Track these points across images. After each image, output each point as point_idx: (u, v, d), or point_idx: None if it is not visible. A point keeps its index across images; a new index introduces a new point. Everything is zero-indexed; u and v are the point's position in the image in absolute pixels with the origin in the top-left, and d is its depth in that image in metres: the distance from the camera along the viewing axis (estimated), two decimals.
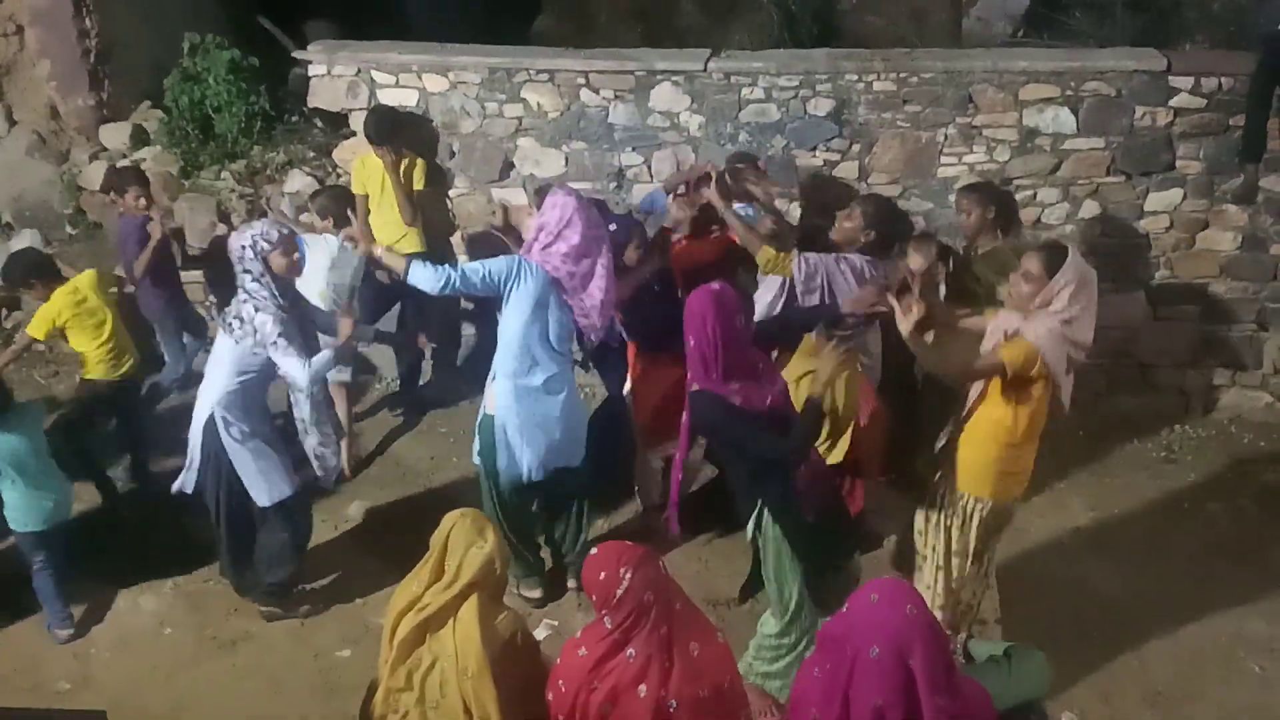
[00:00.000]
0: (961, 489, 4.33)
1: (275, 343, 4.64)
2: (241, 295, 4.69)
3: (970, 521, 4.35)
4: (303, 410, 5.05)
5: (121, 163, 7.14)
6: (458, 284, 4.67)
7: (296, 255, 4.76)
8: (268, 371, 4.80)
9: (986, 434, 4.25)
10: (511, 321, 4.71)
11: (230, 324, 4.71)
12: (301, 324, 4.84)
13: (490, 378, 4.87)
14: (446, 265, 4.71)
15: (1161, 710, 4.52)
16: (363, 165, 6.27)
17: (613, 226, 5.19)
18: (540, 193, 4.90)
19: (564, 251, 4.68)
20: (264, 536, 5.01)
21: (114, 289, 5.73)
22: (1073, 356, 4.15)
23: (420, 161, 6.28)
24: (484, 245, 6.13)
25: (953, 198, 6.15)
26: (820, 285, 4.93)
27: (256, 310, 4.65)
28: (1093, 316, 4.18)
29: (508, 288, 4.66)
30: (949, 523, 4.39)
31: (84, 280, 5.48)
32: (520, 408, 4.78)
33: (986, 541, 4.44)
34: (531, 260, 4.70)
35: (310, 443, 5.12)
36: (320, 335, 4.99)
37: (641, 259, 5.27)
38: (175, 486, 4.98)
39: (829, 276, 4.93)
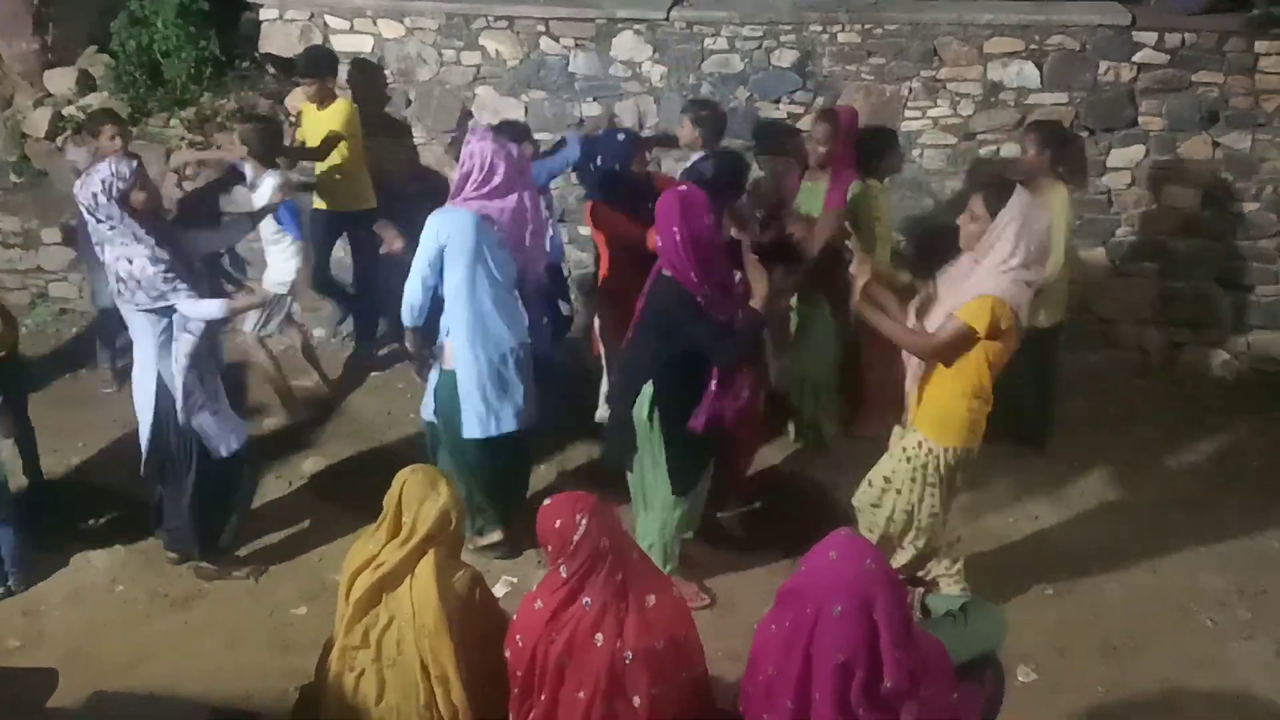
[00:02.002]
0: (940, 442, 4.28)
1: (174, 287, 4.40)
2: (111, 254, 4.39)
3: (954, 470, 4.34)
4: (181, 377, 4.60)
5: (67, 109, 6.98)
6: (420, 294, 4.67)
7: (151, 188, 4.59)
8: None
9: (960, 387, 4.21)
10: (456, 274, 4.66)
11: (117, 290, 4.44)
12: (189, 258, 4.63)
13: (444, 333, 4.80)
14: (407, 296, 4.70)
15: (1115, 662, 4.57)
16: (307, 114, 6.14)
17: (620, 136, 5.52)
18: (455, 144, 4.85)
19: (492, 193, 4.65)
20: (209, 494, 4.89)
21: None
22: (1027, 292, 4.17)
23: (345, 104, 6.10)
24: None
25: (916, 152, 6.15)
26: None
27: (130, 261, 4.39)
28: (1043, 250, 4.21)
29: (444, 249, 4.62)
30: (929, 478, 4.35)
31: None
32: (483, 357, 4.73)
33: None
34: (456, 206, 4.66)
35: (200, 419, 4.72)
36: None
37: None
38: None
39: None
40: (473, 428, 4.78)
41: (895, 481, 4.40)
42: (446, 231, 4.61)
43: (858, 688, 2.67)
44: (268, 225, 5.66)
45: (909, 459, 4.34)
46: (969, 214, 4.16)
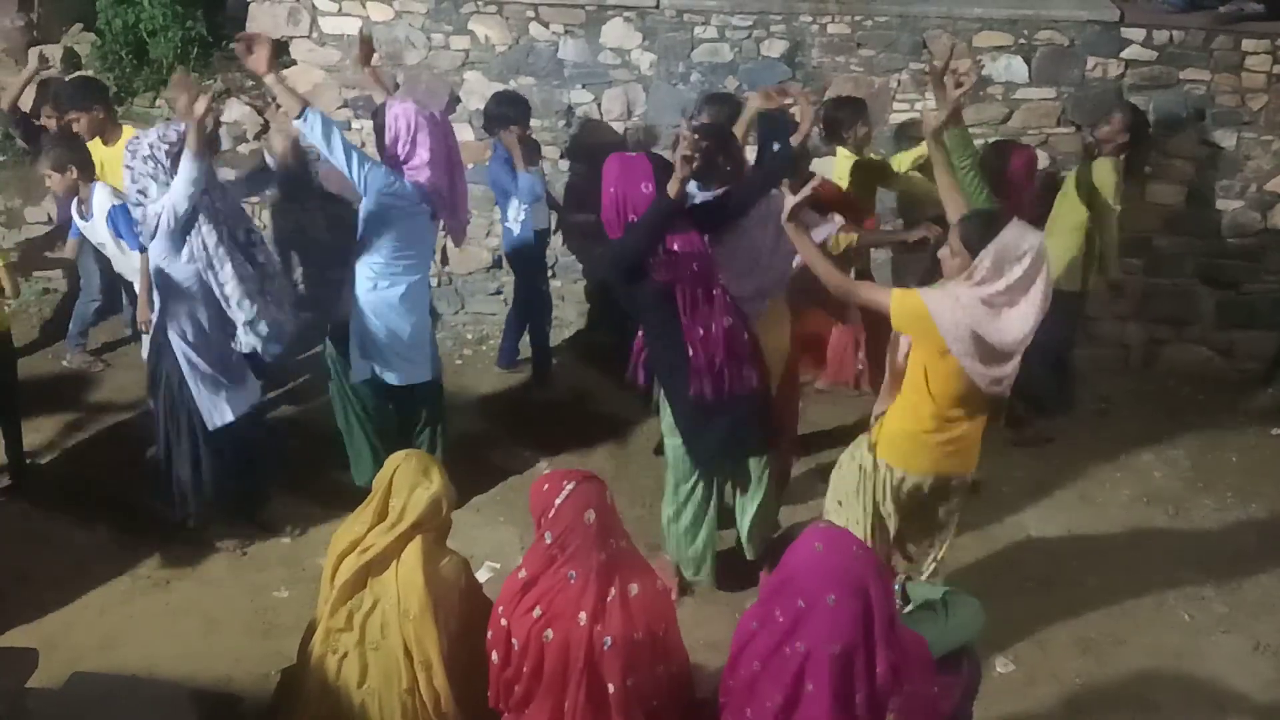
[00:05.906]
0: (879, 454, 4.19)
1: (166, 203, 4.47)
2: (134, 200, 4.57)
3: (886, 486, 4.20)
4: (224, 276, 4.65)
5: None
6: (339, 151, 4.57)
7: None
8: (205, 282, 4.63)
9: (904, 407, 4.09)
10: (378, 228, 4.78)
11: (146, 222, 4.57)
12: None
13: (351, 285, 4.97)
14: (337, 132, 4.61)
15: (1093, 656, 4.61)
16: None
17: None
18: (376, 114, 4.90)
19: (425, 160, 4.77)
20: (218, 463, 4.90)
21: None
22: (988, 342, 3.80)
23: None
24: None
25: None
26: None
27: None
28: (1031, 307, 3.76)
29: (384, 193, 4.69)
30: (873, 488, 4.24)
31: None
32: (383, 310, 4.93)
33: (903, 506, 4.27)
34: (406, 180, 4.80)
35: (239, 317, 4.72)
36: None
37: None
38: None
39: None
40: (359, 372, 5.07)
41: (847, 482, 4.32)
42: (395, 184, 4.72)
43: (860, 676, 2.67)
44: (103, 234, 5.36)
45: (853, 457, 4.30)
46: (949, 248, 3.90)
